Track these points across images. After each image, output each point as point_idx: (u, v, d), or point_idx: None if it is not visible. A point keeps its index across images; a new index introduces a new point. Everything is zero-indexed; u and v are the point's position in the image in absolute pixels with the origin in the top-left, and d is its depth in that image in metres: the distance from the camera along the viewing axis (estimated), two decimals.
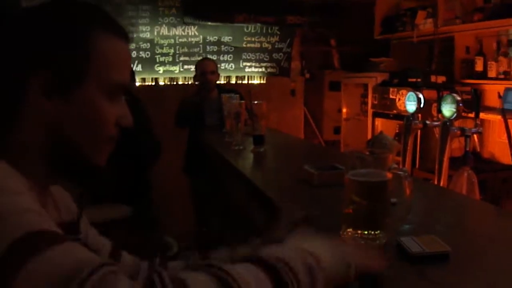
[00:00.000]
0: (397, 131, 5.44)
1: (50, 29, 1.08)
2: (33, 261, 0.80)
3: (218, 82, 5.48)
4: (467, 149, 2.90)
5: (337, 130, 7.63)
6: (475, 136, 2.96)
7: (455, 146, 3.45)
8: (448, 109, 2.98)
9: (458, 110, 2.93)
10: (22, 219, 0.86)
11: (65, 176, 1.17)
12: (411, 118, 3.35)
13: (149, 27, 6.77)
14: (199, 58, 6.36)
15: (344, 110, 7.29)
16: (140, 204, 4.13)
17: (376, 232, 1.43)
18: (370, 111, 6.36)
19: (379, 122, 6.20)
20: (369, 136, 6.21)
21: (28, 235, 0.83)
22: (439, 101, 3.07)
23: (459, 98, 2.95)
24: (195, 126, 4.96)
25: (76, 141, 1.10)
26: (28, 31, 1.08)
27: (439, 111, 3.07)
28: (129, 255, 1.50)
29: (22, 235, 0.83)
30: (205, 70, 5.22)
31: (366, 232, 1.43)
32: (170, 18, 6.87)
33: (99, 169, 1.16)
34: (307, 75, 7.77)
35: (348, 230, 1.46)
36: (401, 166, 3.22)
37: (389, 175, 1.44)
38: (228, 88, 5.51)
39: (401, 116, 3.49)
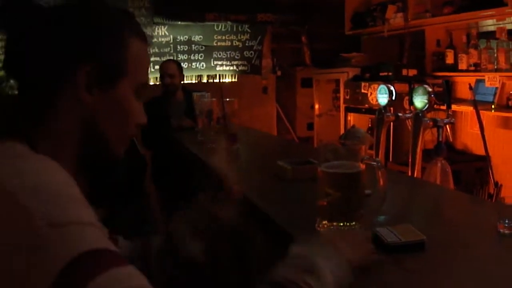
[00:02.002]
0: (369, 125, 5.47)
1: (98, 28, 1.14)
2: (103, 276, 0.81)
3: (190, 82, 5.43)
4: (440, 139, 2.90)
5: (310, 126, 7.64)
6: (447, 126, 2.96)
7: (428, 138, 3.46)
8: (419, 101, 2.98)
9: (429, 101, 2.94)
10: (87, 233, 0.88)
11: (89, 169, 1.19)
12: (383, 111, 3.36)
13: None
14: (170, 58, 6.34)
15: (317, 106, 7.31)
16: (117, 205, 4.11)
17: (352, 224, 1.43)
18: (342, 106, 6.38)
19: (351, 117, 6.22)
20: (342, 131, 6.22)
21: (97, 251, 0.85)
22: (411, 93, 3.07)
23: (430, 89, 2.96)
24: (161, 132, 4.87)
25: (106, 135, 1.15)
26: (77, 26, 1.12)
27: (411, 103, 3.07)
28: (124, 240, 1.52)
29: (91, 249, 0.84)
30: (164, 72, 5.19)
31: (341, 224, 1.43)
32: (140, 18, 6.81)
33: (117, 164, 1.22)
34: (279, 73, 7.76)
35: (324, 222, 1.45)
36: None
37: (362, 166, 1.44)
38: (195, 89, 5.44)
39: (373, 110, 3.50)
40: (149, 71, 1.32)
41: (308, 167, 2.16)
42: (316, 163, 1.49)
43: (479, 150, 5.12)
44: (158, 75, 5.98)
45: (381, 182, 1.46)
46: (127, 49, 1.15)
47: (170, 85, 5.14)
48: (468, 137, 5.45)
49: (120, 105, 1.16)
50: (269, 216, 1.63)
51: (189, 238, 1.50)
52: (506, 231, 1.40)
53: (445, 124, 2.95)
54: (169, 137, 4.47)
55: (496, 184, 3.88)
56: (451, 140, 3.23)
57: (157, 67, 6.72)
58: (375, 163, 1.46)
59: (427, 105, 2.96)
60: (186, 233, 1.51)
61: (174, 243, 1.50)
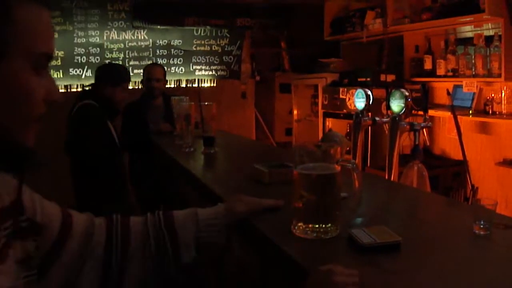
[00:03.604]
0: (347, 130, 5.48)
1: None
2: None
3: (168, 86, 5.42)
4: (417, 143, 2.91)
5: (288, 132, 7.66)
6: (424, 130, 2.97)
7: (405, 143, 3.48)
8: (396, 105, 2.99)
9: (406, 105, 2.95)
10: None
11: None
12: (360, 115, 3.37)
13: (98, 32, 6.72)
14: (149, 62, 6.31)
15: (295, 111, 7.32)
16: None
17: (327, 225, 1.42)
18: (320, 112, 6.39)
19: (330, 122, 6.23)
20: (321, 136, 6.23)
21: None
22: (388, 97, 3.08)
23: (407, 93, 2.97)
24: (140, 135, 4.85)
25: (3, 121, 1.02)
26: None
27: (388, 107, 3.08)
28: (81, 214, 1.46)
29: None
30: (151, 76, 5.17)
31: (317, 226, 1.42)
32: (120, 22, 6.82)
33: (29, 150, 1.09)
34: (258, 78, 7.78)
35: (299, 224, 1.44)
36: None
37: (338, 168, 1.43)
38: (174, 94, 5.42)
39: (352, 115, 3.52)
40: (52, 40, 1.12)
41: (285, 170, 2.15)
42: (292, 166, 1.48)
43: (456, 155, 5.16)
44: (138, 79, 5.98)
45: (357, 184, 1.46)
46: (13, 17, 1.00)
47: (156, 89, 5.13)
48: (446, 142, 5.48)
49: (14, 83, 1.01)
50: (247, 219, 1.61)
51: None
52: (482, 232, 1.40)
53: (422, 127, 2.96)
54: (148, 140, 4.46)
55: (472, 187, 3.90)
56: (428, 144, 3.25)
57: (136, 70, 6.76)
58: (350, 164, 1.46)
59: (404, 109, 2.97)
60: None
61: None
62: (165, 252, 1.48)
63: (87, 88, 4.82)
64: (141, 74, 5.59)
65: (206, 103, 3.26)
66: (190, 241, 1.51)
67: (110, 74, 4.49)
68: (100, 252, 1.41)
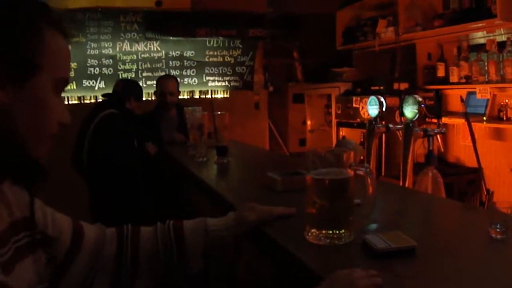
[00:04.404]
0: (361, 139, 5.45)
1: (6, 19, 1.05)
2: None
3: (182, 97, 5.43)
4: (431, 148, 2.89)
5: (302, 142, 7.63)
6: (438, 137, 2.94)
7: (419, 151, 3.45)
8: (410, 111, 2.97)
9: (420, 111, 2.93)
10: None
11: (6, 171, 1.11)
12: (373, 122, 3.35)
13: (111, 43, 6.73)
14: (162, 74, 6.33)
15: (309, 121, 7.29)
16: None
17: (341, 231, 1.41)
18: (334, 121, 6.37)
19: (343, 131, 6.20)
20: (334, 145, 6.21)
21: None
22: (401, 104, 3.06)
23: (420, 99, 2.95)
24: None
25: (22, 134, 1.06)
26: None
27: (402, 114, 3.06)
28: (92, 226, 1.49)
29: None
30: (164, 90, 5.17)
31: (330, 232, 1.41)
32: (132, 33, 6.84)
33: (40, 165, 1.12)
34: (271, 88, 7.77)
35: (312, 230, 1.43)
36: None
37: (351, 173, 1.42)
38: (187, 105, 5.42)
39: (365, 124, 3.50)
40: (69, 68, 1.24)
41: (298, 178, 2.14)
42: (306, 173, 1.47)
43: (471, 163, 5.12)
44: (151, 91, 5.99)
45: (370, 189, 1.44)
46: (42, 41, 1.08)
47: (169, 102, 5.14)
48: (460, 149, 5.44)
49: (37, 101, 1.08)
50: (259, 227, 1.60)
51: None
52: (498, 236, 1.38)
53: (436, 133, 2.94)
54: (161, 151, 4.48)
55: (488, 191, 3.87)
56: (442, 150, 3.22)
57: (149, 82, 6.77)
58: (363, 169, 1.45)
59: (417, 115, 2.95)
60: None
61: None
62: (172, 260, 1.50)
63: (105, 99, 4.83)
64: (154, 85, 5.59)
65: (219, 113, 3.26)
66: (198, 250, 1.53)
67: (136, 89, 4.59)
68: (110, 262, 1.45)
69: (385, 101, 3.38)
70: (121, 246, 1.48)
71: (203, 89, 7.35)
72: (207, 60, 7.32)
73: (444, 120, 4.76)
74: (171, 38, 7.01)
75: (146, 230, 1.55)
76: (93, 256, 1.41)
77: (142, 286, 1.46)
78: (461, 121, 4.95)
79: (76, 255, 1.36)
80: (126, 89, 4.61)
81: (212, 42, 7.30)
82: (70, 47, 1.19)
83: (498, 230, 1.38)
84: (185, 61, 7.19)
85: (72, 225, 1.40)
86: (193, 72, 7.24)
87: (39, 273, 1.18)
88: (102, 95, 5.16)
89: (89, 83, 6.68)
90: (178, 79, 5.53)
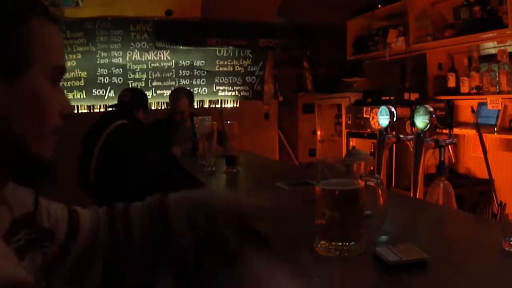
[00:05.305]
0: (371, 150, 5.43)
1: None
2: None
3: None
4: (442, 159, 2.86)
5: (312, 152, 7.62)
6: (450, 147, 2.92)
7: (430, 162, 3.42)
8: (421, 121, 2.95)
9: (431, 122, 2.90)
10: None
11: (10, 173, 1.07)
12: (384, 133, 3.32)
13: (121, 52, 6.74)
14: (172, 83, 6.35)
15: (319, 132, 7.29)
16: None
17: (351, 243, 1.38)
18: (344, 132, 6.36)
19: (353, 142, 6.19)
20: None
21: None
22: (412, 114, 3.04)
23: (431, 109, 2.92)
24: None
25: (21, 133, 1.02)
26: None
27: (413, 124, 3.04)
28: (86, 211, 1.45)
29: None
30: (175, 109, 5.14)
31: (340, 244, 1.38)
32: (142, 43, 6.85)
33: (46, 163, 1.08)
34: (281, 98, 7.77)
35: (322, 242, 1.41)
36: None
37: (361, 183, 1.40)
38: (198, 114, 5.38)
39: (375, 135, 3.48)
40: (64, 53, 1.18)
41: (307, 188, 2.12)
42: (315, 183, 1.44)
43: (482, 174, 5.09)
44: (161, 100, 5.99)
45: (381, 200, 1.42)
46: (29, 33, 1.02)
47: (179, 121, 5.11)
48: (471, 161, 5.41)
49: (34, 94, 1.02)
50: (266, 238, 1.58)
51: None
52: (511, 249, 1.36)
53: (447, 144, 2.91)
54: (171, 160, 4.44)
55: (500, 203, 3.84)
56: (453, 160, 3.19)
57: (159, 91, 6.77)
58: (374, 179, 1.42)
59: (428, 125, 2.93)
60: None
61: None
62: (157, 226, 1.42)
63: (114, 109, 4.79)
64: (164, 95, 5.59)
65: (228, 122, 3.25)
66: (183, 217, 1.42)
67: (144, 100, 4.56)
68: (103, 247, 1.39)
69: (396, 111, 3.36)
70: (113, 225, 1.43)
71: (213, 98, 7.35)
72: (217, 69, 7.32)
73: (455, 130, 4.74)
74: (181, 47, 7.00)
75: (137, 205, 1.50)
76: (89, 244, 1.36)
77: (133, 271, 1.41)
78: (472, 132, 4.92)
79: (72, 245, 1.32)
80: (137, 99, 4.57)
81: (222, 52, 7.30)
82: (58, 31, 1.12)
83: (511, 243, 1.36)
84: (195, 70, 7.19)
85: (67, 213, 1.36)
86: (203, 81, 7.24)
87: (34, 273, 1.14)
88: (108, 106, 5.13)
89: (99, 92, 6.68)
90: (188, 88, 5.51)
